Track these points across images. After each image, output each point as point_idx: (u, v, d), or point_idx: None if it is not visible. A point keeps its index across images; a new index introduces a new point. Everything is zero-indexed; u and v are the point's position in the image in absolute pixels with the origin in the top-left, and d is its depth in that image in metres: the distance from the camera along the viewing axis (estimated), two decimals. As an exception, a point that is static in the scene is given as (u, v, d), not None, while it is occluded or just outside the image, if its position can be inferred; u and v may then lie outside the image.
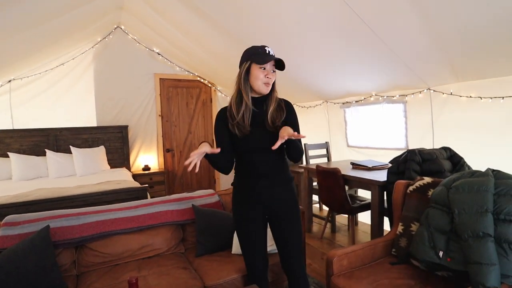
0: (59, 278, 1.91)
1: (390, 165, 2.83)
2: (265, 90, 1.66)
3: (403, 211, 2.19)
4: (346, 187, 3.25)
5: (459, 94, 2.88)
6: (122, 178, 4.05)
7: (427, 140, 3.18)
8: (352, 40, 2.84)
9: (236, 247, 2.27)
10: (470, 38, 2.30)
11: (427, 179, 2.16)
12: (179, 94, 5.47)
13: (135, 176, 4.87)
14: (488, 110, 2.71)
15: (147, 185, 3.41)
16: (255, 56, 1.63)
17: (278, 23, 3.01)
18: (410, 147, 3.34)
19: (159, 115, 5.30)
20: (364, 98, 3.78)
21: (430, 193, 2.06)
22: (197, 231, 2.42)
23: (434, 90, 3.10)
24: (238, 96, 1.70)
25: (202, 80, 5.58)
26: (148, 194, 3.40)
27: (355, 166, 3.38)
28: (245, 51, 1.70)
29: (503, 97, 2.60)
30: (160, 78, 5.27)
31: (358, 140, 4.09)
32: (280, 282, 2.24)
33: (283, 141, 1.48)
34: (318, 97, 4.37)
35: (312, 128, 4.73)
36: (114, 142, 4.95)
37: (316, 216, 4.01)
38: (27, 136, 4.50)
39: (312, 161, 4.45)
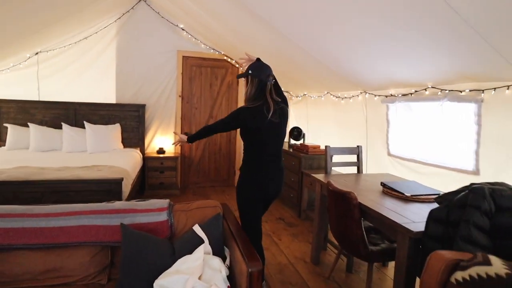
0: None
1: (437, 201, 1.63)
2: None
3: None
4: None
5: None
6: (122, 161, 3.45)
7: None
8: (399, 8, 1.63)
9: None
10: None
11: (501, 268, 0.99)
12: (202, 74, 4.65)
13: (147, 159, 4.31)
14: None
15: (122, 177, 2.71)
16: None
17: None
18: (483, 174, 2.02)
19: (179, 96, 4.57)
20: (416, 91, 2.47)
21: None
22: (121, 262, 1.61)
23: (536, 86, 1.73)
24: None
25: (229, 60, 4.66)
26: (122, 188, 2.71)
27: (387, 190, 2.19)
28: None
29: None
30: (183, 56, 4.50)
31: (402, 149, 2.81)
32: None
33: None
34: (355, 85, 3.12)
35: (347, 126, 3.52)
36: (130, 120, 4.41)
37: (333, 243, 2.88)
38: (50, 108, 4.20)
39: (337, 169, 3.30)
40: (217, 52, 4.60)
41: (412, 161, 2.68)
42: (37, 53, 4.15)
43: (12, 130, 3.92)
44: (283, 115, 1.94)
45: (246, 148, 1.96)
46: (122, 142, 4.33)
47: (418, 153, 2.65)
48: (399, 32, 1.89)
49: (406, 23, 1.78)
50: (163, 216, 1.82)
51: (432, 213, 1.54)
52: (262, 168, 1.91)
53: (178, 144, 2.26)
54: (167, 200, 1.95)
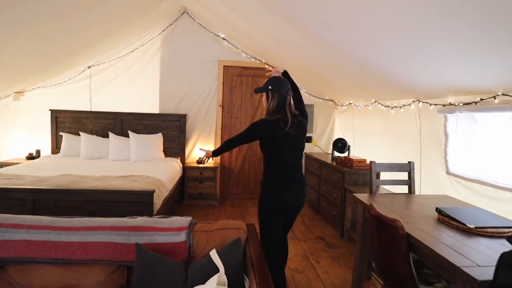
0: None
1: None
2: None
3: None
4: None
5: None
6: (160, 171, 3.50)
7: None
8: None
9: None
10: None
11: None
12: (243, 83, 4.59)
13: (186, 169, 4.33)
14: None
15: (154, 189, 2.70)
16: None
17: None
18: None
19: (220, 105, 4.56)
20: (481, 99, 2.05)
21: None
22: (134, 284, 1.54)
23: None
24: None
25: (270, 68, 4.52)
26: (154, 200, 2.70)
27: (443, 217, 1.83)
28: None
29: None
30: (224, 65, 4.49)
31: (465, 167, 2.36)
32: None
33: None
34: (406, 93, 2.74)
35: (397, 138, 3.13)
36: (172, 130, 4.50)
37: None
38: (99, 118, 4.47)
39: (387, 187, 2.93)
40: (258, 61, 4.52)
41: (478, 182, 2.23)
42: (89, 67, 4.46)
43: (66, 139, 4.23)
44: (301, 128, 2.00)
45: (264, 160, 2.03)
46: (164, 151, 4.43)
47: (486, 173, 2.20)
48: (459, 26, 1.56)
49: (466, 15, 1.46)
50: (181, 237, 1.71)
51: (503, 257, 1.19)
52: (278, 178, 1.96)
53: (206, 159, 2.34)
54: (189, 218, 1.84)
